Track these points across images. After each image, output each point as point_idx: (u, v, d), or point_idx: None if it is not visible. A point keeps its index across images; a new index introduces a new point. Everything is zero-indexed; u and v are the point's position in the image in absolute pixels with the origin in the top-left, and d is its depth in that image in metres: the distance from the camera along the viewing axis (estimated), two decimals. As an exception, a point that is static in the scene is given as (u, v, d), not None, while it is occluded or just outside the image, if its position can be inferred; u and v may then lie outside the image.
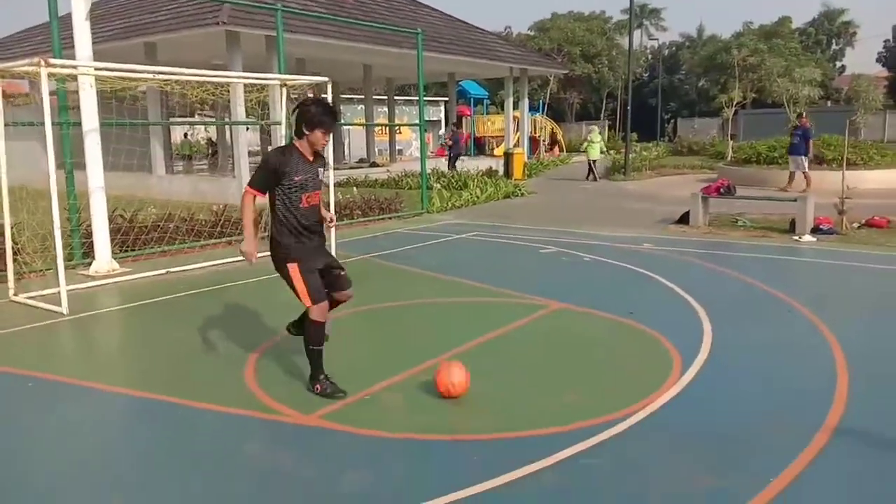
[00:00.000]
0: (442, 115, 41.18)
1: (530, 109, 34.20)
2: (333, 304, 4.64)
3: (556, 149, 33.05)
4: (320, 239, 4.59)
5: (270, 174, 4.32)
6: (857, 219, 11.03)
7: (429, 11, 25.21)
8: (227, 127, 23.48)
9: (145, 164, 17.23)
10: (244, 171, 16.11)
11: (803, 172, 16.54)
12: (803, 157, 16.56)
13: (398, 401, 4.41)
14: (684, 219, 11.60)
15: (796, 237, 10.10)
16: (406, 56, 19.11)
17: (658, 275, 7.76)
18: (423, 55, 14.45)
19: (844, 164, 11.90)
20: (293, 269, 4.37)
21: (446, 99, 32.16)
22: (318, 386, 4.46)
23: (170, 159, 21.00)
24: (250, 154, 18.30)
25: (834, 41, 58.49)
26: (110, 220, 8.76)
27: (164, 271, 8.35)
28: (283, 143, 10.41)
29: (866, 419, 3.95)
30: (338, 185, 16.83)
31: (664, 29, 63.54)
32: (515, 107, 29.15)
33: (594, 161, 22.18)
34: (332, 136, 4.55)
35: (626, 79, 25.44)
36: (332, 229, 4.62)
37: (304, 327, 4.56)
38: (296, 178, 4.32)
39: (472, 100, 37.20)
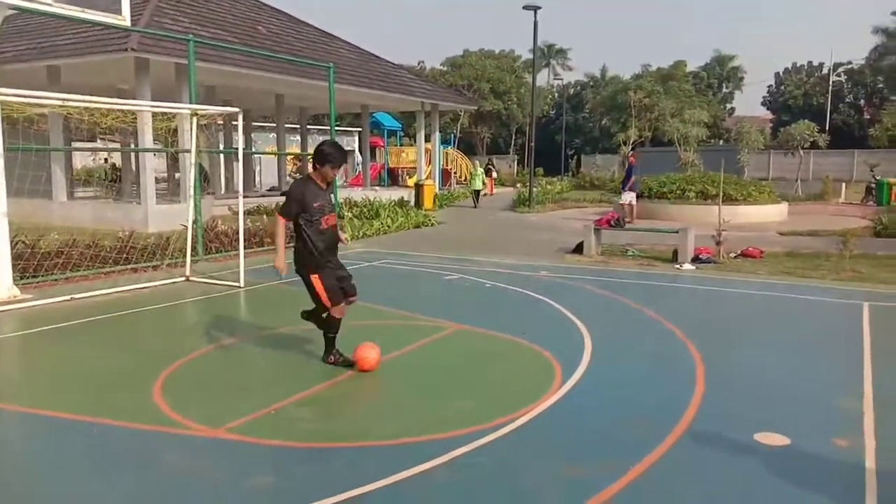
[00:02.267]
0: (356, 146, 41.57)
1: (442, 142, 35.13)
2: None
3: (492, 184, 33.77)
4: (336, 258, 5.59)
5: (297, 203, 5.29)
6: (734, 249, 12.11)
7: (342, 44, 25.71)
8: (133, 154, 23.02)
9: (46, 190, 16.74)
10: (150, 197, 15.95)
11: (629, 204, 18.22)
12: (627, 191, 18.44)
13: (303, 413, 4.73)
14: (579, 248, 12.41)
15: (678, 266, 11.03)
16: (318, 87, 19.46)
17: (551, 299, 8.37)
18: (334, 87, 14.85)
19: (720, 199, 13.05)
20: (315, 279, 5.37)
21: (360, 129, 32.59)
22: (331, 358, 5.57)
23: (71, 185, 20.41)
24: (156, 181, 18.09)
25: (724, 85, 62.81)
26: (11, 247, 8.64)
27: (67, 297, 8.30)
28: (191, 171, 10.56)
29: (714, 421, 4.56)
30: (248, 212, 16.90)
31: (570, 69, 66.63)
32: (428, 139, 29.92)
33: (477, 191, 26.22)
34: (339, 169, 5.57)
35: (534, 115, 26.63)
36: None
37: (324, 321, 5.61)
38: (315, 205, 5.30)
39: (385, 131, 37.79)
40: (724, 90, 62.65)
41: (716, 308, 8.60)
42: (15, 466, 4.00)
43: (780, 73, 62.14)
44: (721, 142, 50.92)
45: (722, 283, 9.80)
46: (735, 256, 11.84)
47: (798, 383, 5.44)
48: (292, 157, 32.43)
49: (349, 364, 5.52)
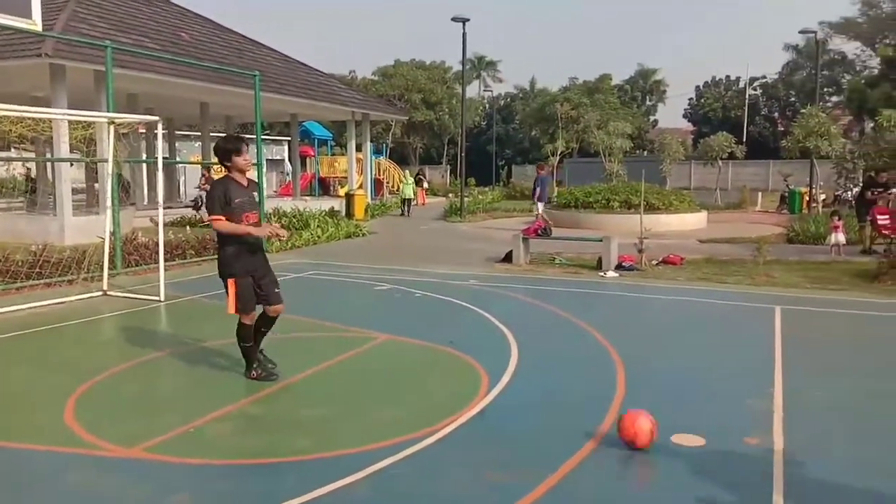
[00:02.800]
0: (285, 154, 41.02)
1: (375, 152, 35.04)
2: (267, 318, 5.48)
3: (423, 194, 33.74)
4: (262, 260, 5.46)
5: (219, 200, 5.17)
6: (656, 256, 12.50)
7: (269, 52, 25.39)
8: (47, 163, 22.05)
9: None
10: (67, 208, 15.32)
11: (542, 215, 18.42)
12: (540, 202, 18.95)
13: (224, 430, 4.61)
14: (508, 257, 12.57)
15: (602, 273, 11.30)
16: (244, 95, 19.12)
17: (479, 308, 8.44)
18: (261, 96, 14.62)
19: (642, 208, 13.46)
20: (231, 283, 5.26)
21: (290, 138, 32.17)
22: (253, 373, 5.45)
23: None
24: (74, 192, 17.38)
25: (648, 97, 64.94)
26: (-90, 261, 8.14)
27: (-27, 314, 7.87)
28: (109, 181, 10.19)
29: (634, 423, 4.68)
30: (171, 224, 16.43)
31: (500, 80, 67.60)
32: (359, 149, 29.79)
33: (407, 199, 26.54)
34: (249, 153, 5.45)
35: (464, 126, 26.89)
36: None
37: (236, 331, 5.44)
38: (236, 201, 5.19)
39: (316, 140, 37.44)
40: (648, 103, 64.80)
41: (637, 314, 8.85)
42: None
43: (700, 87, 64.65)
44: (645, 153, 52.60)
45: (643, 289, 10.09)
46: (657, 263, 12.21)
47: (713, 385, 5.65)
48: (205, 171, 31.73)
49: (272, 377, 5.43)
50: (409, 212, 26.07)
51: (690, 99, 65.34)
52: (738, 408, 5.06)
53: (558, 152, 32.48)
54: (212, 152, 5.57)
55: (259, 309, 5.50)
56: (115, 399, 5.22)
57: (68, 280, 9.86)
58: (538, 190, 19.11)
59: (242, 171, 5.37)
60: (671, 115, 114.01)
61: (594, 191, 21.41)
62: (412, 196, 27.15)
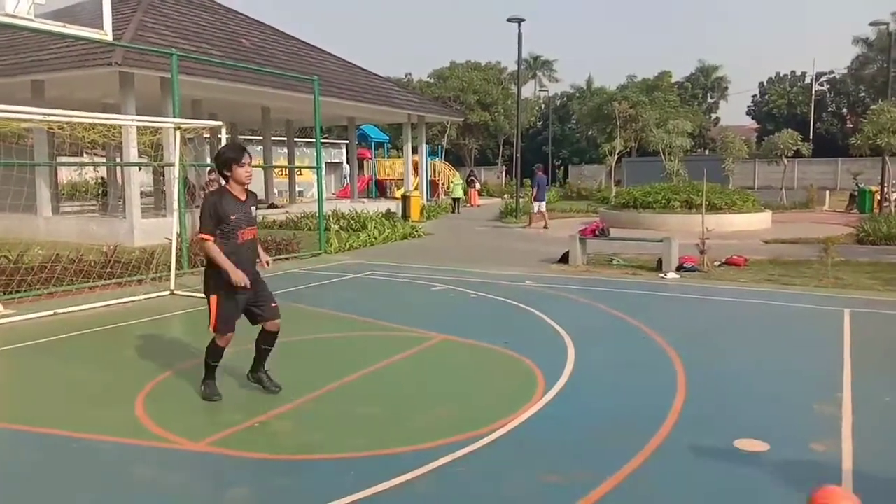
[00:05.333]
0: (343, 157, 41.63)
1: (430, 154, 35.23)
2: (267, 334, 5.22)
3: (476, 195, 33.80)
4: (254, 273, 5.04)
5: (212, 216, 4.83)
6: (718, 258, 12.21)
7: (328, 57, 25.80)
8: (118, 168, 22.96)
9: (31, 205, 16.67)
10: (136, 211, 15.92)
11: (539, 212, 20.60)
12: (537, 202, 20.59)
13: (286, 427, 4.73)
14: (565, 258, 12.47)
15: (662, 274, 11.10)
16: (304, 100, 19.50)
17: (535, 309, 8.41)
18: (319, 100, 14.89)
19: (704, 207, 13.16)
20: (213, 300, 4.94)
21: (347, 142, 32.66)
22: (203, 387, 5.18)
23: (56, 200, 20.31)
24: (142, 195, 18.04)
25: (709, 94, 63.38)
26: (-7, 261, 8.60)
27: (50, 313, 8.25)
28: (176, 185, 10.55)
29: (695, 428, 4.60)
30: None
31: (556, 80, 66.96)
32: (415, 151, 30.02)
33: (457, 199, 28.52)
34: (251, 167, 5.04)
35: (519, 127, 26.82)
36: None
37: (207, 346, 5.16)
38: (232, 217, 4.86)
39: (373, 143, 37.88)
40: (709, 100, 63.24)
41: (699, 316, 8.66)
42: (-6, 483, 3.97)
43: (764, 83, 62.82)
44: (706, 151, 51.40)
45: (705, 291, 9.87)
46: (719, 265, 11.93)
47: (778, 389, 5.49)
48: (280, 169, 32.39)
49: (213, 399, 5.07)
50: (458, 209, 27.96)
51: (754, 96, 63.59)
52: (805, 413, 4.92)
53: (616, 151, 32.00)
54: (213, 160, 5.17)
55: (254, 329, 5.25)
56: (182, 394, 5.40)
57: (137, 280, 10.25)
58: (535, 190, 20.81)
59: (242, 184, 4.95)
60: (734, 113, 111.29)
61: (654, 190, 21.04)
62: (461, 195, 29.09)
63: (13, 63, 17.39)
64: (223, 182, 5.02)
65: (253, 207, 5.07)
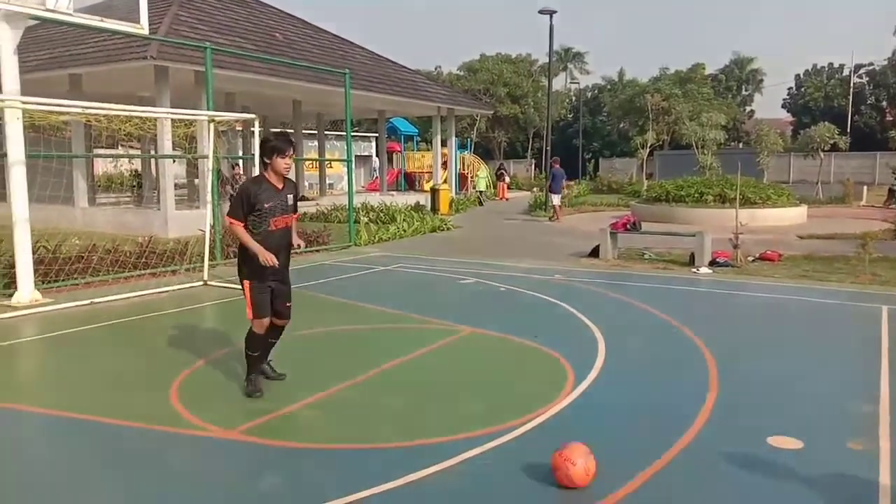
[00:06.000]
0: (373, 150, 41.79)
1: (459, 147, 35.18)
2: (274, 327, 5.25)
3: (505, 189, 33.70)
4: (283, 268, 5.13)
5: (246, 202, 4.92)
6: (752, 253, 12.02)
7: (358, 50, 25.86)
8: (152, 160, 23.32)
9: (68, 196, 17.01)
10: (170, 203, 16.16)
11: (556, 206, 21.21)
12: (553, 195, 21.34)
13: (315, 416, 4.78)
14: (595, 252, 12.38)
15: (695, 269, 10.96)
16: (335, 93, 19.59)
17: (565, 303, 8.36)
18: (350, 93, 14.95)
19: (738, 201, 12.96)
20: (246, 285, 5.04)
21: (377, 134, 32.76)
22: (247, 383, 5.16)
23: (93, 191, 20.71)
24: (176, 187, 18.30)
25: (743, 87, 62.26)
26: (33, 252, 8.79)
27: (87, 302, 8.43)
28: (209, 177, 10.68)
29: (727, 425, 4.55)
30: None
31: (587, 72, 66.39)
32: (444, 144, 30.00)
33: (482, 191, 29.71)
34: (291, 158, 5.07)
35: (549, 119, 26.66)
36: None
37: (245, 338, 5.19)
38: (266, 205, 4.93)
39: (402, 136, 37.94)
40: (744, 92, 62.13)
41: (731, 311, 8.55)
42: (33, 465, 4.07)
43: (801, 75, 61.50)
44: (740, 145, 50.54)
45: (738, 286, 9.73)
46: (753, 260, 11.75)
47: (813, 387, 5.40)
48: (311, 162, 32.64)
49: (256, 395, 5.06)
50: (482, 202, 28.96)
51: (790, 88, 62.25)
52: (841, 411, 4.83)
53: (648, 144, 31.62)
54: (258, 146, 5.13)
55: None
56: (215, 383, 5.48)
57: (172, 270, 10.42)
58: (549, 182, 21.61)
59: (279, 174, 5.02)
60: (769, 106, 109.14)
61: (686, 184, 20.76)
62: (485, 188, 30.67)
63: (52, 57, 17.75)
64: (240, 171, 5.08)
65: (290, 196, 5.11)
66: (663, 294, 9.31)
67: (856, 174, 36.47)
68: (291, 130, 28.07)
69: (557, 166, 21.67)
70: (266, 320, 5.10)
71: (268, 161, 5.00)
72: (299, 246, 5.41)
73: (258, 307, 5.05)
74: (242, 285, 5.10)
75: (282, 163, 4.97)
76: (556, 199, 21.18)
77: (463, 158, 36.08)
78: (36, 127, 9.39)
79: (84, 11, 8.67)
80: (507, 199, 31.82)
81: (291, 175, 5.32)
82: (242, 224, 4.95)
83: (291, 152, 5.05)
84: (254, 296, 5.04)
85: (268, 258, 4.86)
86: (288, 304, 5.25)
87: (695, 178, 22.14)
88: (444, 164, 30.47)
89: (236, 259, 5.22)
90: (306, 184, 28.99)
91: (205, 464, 4.01)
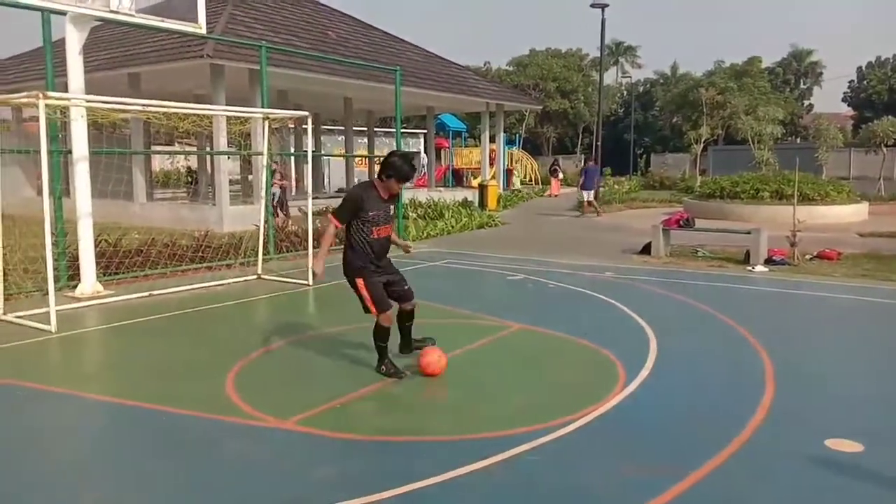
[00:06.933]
0: (421, 147, 41.97)
1: (508, 143, 35.06)
2: (404, 313, 5.59)
3: (558, 184, 33.42)
4: (387, 262, 5.46)
5: (353, 207, 5.19)
6: (809, 251, 11.69)
7: (408, 47, 26.00)
8: (208, 156, 23.89)
9: (127, 192, 17.56)
10: (225, 199, 16.53)
11: (588, 202, 21.40)
12: (584, 191, 21.51)
13: (368, 408, 4.85)
14: (647, 249, 12.21)
15: (750, 267, 10.72)
16: (385, 90, 19.73)
17: (615, 300, 8.28)
18: (401, 90, 15.04)
19: (796, 199, 12.60)
20: (361, 283, 5.26)
21: (426, 131, 32.88)
22: (382, 368, 5.40)
23: (150, 187, 21.33)
24: (231, 182, 18.71)
25: (802, 80, 60.50)
26: (95, 245, 9.12)
27: (146, 294, 8.70)
28: (263, 172, 10.89)
29: (783, 426, 4.45)
30: (317, 213, 17.30)
31: (639, 66, 65.36)
32: (492, 140, 29.93)
33: (515, 189, 29.95)
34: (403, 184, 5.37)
35: (600, 114, 26.34)
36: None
37: (373, 330, 5.42)
38: (370, 214, 5.17)
39: (450, 132, 37.99)
40: (802, 86, 60.36)
41: (788, 311, 8.34)
42: (93, 451, 4.25)
43: (863, 68, 59.39)
44: (798, 140, 49.10)
45: (795, 285, 9.48)
46: (810, 258, 11.42)
47: (873, 389, 5.24)
48: (278, 167, 32.97)
49: (399, 377, 5.33)
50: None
51: (851, 81, 60.27)
52: (904, 415, 4.67)
53: (702, 139, 30.96)
54: (383, 163, 5.27)
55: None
56: (269, 374, 5.61)
57: (227, 264, 10.68)
58: (582, 179, 21.81)
59: (389, 191, 5.27)
60: (828, 99, 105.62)
61: (742, 180, 20.28)
62: (519, 187, 31.41)
63: (113, 57, 18.34)
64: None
65: (392, 206, 5.38)
66: (717, 292, 9.13)
67: (921, 170, 34.97)
68: (342, 128, 28.38)
69: (592, 163, 22.71)
70: (390, 313, 5.33)
71: (385, 178, 5.19)
72: (407, 249, 5.83)
73: (379, 302, 5.25)
74: (355, 284, 5.27)
75: (396, 186, 5.23)
76: (586, 195, 21.68)
77: (511, 154, 35.95)
78: (98, 125, 9.72)
79: (144, 12, 8.94)
80: (557, 195, 31.58)
81: (342, 170, 5.51)
82: (340, 226, 5.23)
83: (410, 180, 5.38)
84: (371, 292, 5.23)
85: (318, 268, 5.26)
86: (407, 287, 5.53)
87: (750, 174, 21.61)
88: (492, 161, 30.40)
89: (342, 259, 5.39)
90: (356, 179, 29.27)
91: (259, 453, 4.11)
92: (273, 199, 15.99)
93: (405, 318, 5.66)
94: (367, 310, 5.34)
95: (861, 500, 3.49)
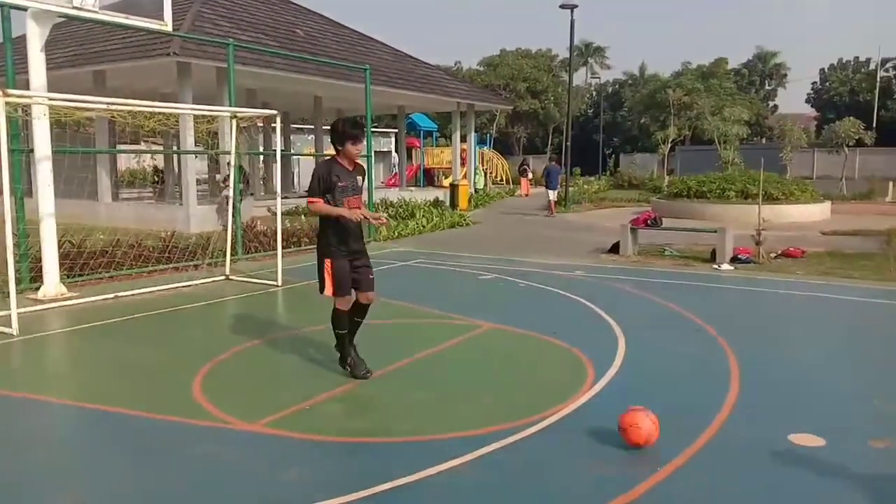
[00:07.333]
0: (392, 146, 41.87)
1: (479, 143, 35.13)
2: (359, 306, 5.43)
3: (528, 185, 33.48)
4: (360, 247, 5.37)
5: (322, 181, 5.14)
6: (774, 249, 11.90)
7: (379, 46, 25.91)
8: (175, 155, 23.55)
9: (92, 192, 17.25)
10: (192, 198, 16.31)
11: (551, 201, 21.87)
12: (548, 190, 22.00)
13: (338, 409, 4.83)
14: (615, 248, 12.33)
15: (716, 266, 10.89)
16: (355, 89, 19.64)
17: (585, 299, 8.35)
18: (371, 89, 14.99)
19: (761, 198, 12.83)
20: (327, 263, 5.22)
21: (397, 130, 32.82)
22: (347, 365, 5.40)
23: (116, 187, 20.97)
24: (198, 182, 18.47)
25: (767, 82, 61.55)
26: (59, 246, 8.93)
27: (111, 296, 8.55)
28: (232, 173, 10.77)
29: (748, 422, 4.52)
30: (286, 213, 17.17)
31: (608, 67, 65.95)
32: (464, 140, 29.97)
33: (478, 189, 29.36)
34: (362, 144, 5.32)
35: (569, 115, 26.54)
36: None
37: (331, 317, 5.39)
38: (340, 184, 5.14)
39: (421, 132, 37.96)
40: (767, 87, 61.42)
41: (753, 308, 8.49)
42: (58, 456, 4.16)
43: (826, 70, 60.64)
44: (763, 140, 49.97)
45: (760, 283, 9.65)
46: (775, 256, 11.64)
47: (835, 384, 5.36)
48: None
49: (365, 376, 5.31)
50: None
51: (814, 83, 61.47)
52: (863, 409, 4.79)
53: (669, 140, 31.37)
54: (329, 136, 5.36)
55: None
56: (237, 376, 5.56)
57: (194, 265, 10.54)
58: (547, 179, 22.31)
59: (351, 158, 5.24)
60: (793, 101, 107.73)
61: (708, 180, 20.60)
62: (482, 186, 30.75)
63: (77, 54, 17.99)
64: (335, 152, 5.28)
65: (359, 178, 5.33)
66: (684, 290, 9.26)
67: (882, 170, 35.86)
68: (312, 126, 28.20)
69: (554, 164, 23.42)
70: (349, 297, 5.30)
71: (340, 148, 5.19)
72: (385, 221, 5.59)
73: (339, 285, 5.22)
74: (322, 264, 5.25)
75: (353, 149, 5.17)
76: (551, 195, 22.01)
77: (482, 154, 36.04)
78: (61, 123, 9.52)
79: (109, 8, 8.79)
80: (528, 195, 31.71)
81: (312, 169, 5.43)
82: (321, 200, 5.16)
83: (363, 138, 5.28)
84: (335, 273, 5.20)
85: (355, 213, 5.11)
86: (371, 277, 5.42)
87: (717, 174, 21.96)
88: (464, 160, 30.45)
89: (317, 239, 5.40)
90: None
91: (227, 456, 4.06)
92: (226, 202, 15.60)
93: (358, 312, 5.46)
94: (322, 289, 5.28)
95: (823, 493, 3.57)
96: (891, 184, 29.47)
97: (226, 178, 15.53)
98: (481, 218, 20.26)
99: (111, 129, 18.24)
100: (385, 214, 5.74)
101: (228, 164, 16.27)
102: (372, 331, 7.15)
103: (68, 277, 9.03)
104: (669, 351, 6.27)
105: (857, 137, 29.46)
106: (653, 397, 5.03)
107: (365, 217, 5.22)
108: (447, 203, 22.77)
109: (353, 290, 5.35)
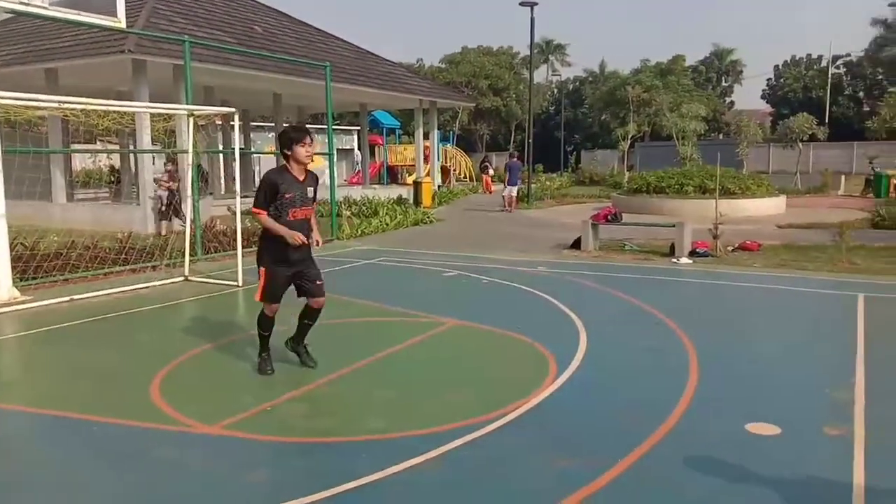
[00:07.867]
0: (355, 144, 41.64)
1: (442, 140, 35.14)
2: (310, 310, 5.43)
3: (489, 182, 33.51)
4: (304, 254, 5.27)
5: (269, 191, 5.05)
6: (731, 242, 12.14)
7: (339, 43, 25.73)
8: (131, 155, 23.06)
9: (45, 192, 16.80)
10: (149, 198, 16.00)
11: (511, 196, 22.01)
12: (508, 186, 22.16)
13: (299, 410, 4.79)
14: (577, 244, 12.45)
15: (675, 259, 11.06)
16: (316, 86, 19.48)
17: (547, 294, 8.42)
18: (331, 86, 14.88)
19: (718, 193, 13.08)
20: (262, 272, 5.23)
21: (359, 128, 32.65)
22: (259, 360, 5.48)
23: (71, 187, 20.46)
24: (155, 181, 18.11)
25: (723, 78, 62.74)
26: (11, 249, 8.68)
27: (67, 299, 8.34)
28: (190, 172, 10.61)
29: (706, 412, 4.61)
30: (246, 213, 16.95)
31: (569, 64, 66.53)
32: (427, 137, 29.95)
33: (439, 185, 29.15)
34: (311, 146, 5.18)
35: (531, 112, 26.68)
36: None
37: (257, 318, 5.46)
38: (286, 196, 5.04)
39: (384, 129, 37.83)
40: (724, 84, 62.61)
41: (711, 301, 8.65)
42: (15, 463, 4.04)
43: (780, 66, 62.06)
44: (720, 136, 50.93)
45: (718, 276, 9.84)
46: (732, 250, 11.87)
47: (791, 374, 5.49)
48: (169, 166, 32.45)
49: (266, 373, 5.39)
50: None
51: (769, 79, 62.85)
52: (817, 398, 4.92)
53: (629, 136, 31.81)
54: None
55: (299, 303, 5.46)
56: (197, 379, 5.47)
57: (152, 266, 10.34)
58: (507, 175, 22.44)
59: (302, 164, 5.11)
60: (748, 97, 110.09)
61: (667, 175, 20.91)
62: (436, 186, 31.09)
63: (27, 51, 17.49)
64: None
65: (311, 188, 5.22)
66: (644, 284, 9.39)
67: (834, 164, 36.87)
68: (272, 124, 27.87)
69: (515, 160, 23.27)
70: (275, 306, 5.32)
71: (288, 153, 5.09)
72: (317, 243, 5.45)
73: (269, 295, 5.25)
74: (259, 273, 5.25)
75: (302, 151, 5.07)
76: (512, 191, 22.15)
77: (445, 151, 36.07)
78: (11, 122, 9.26)
79: (60, 5, 8.56)
80: (491, 192, 31.84)
81: (272, 165, 5.35)
82: (266, 212, 5.08)
83: (310, 140, 5.14)
84: (267, 283, 5.21)
85: (295, 237, 5.02)
86: (319, 283, 5.38)
87: (675, 170, 22.30)
88: (427, 158, 30.44)
89: (257, 245, 5.37)
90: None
91: (188, 460, 4.00)
92: (160, 203, 15.22)
93: (308, 315, 5.47)
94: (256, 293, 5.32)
95: (779, 480, 3.65)
96: (843, 178, 30.31)
97: (167, 176, 15.20)
98: (445, 215, 20.28)
99: (65, 129, 17.78)
100: (320, 237, 5.54)
101: (165, 163, 16.01)
102: (335, 329, 7.13)
103: (21, 281, 8.79)
104: (630, 345, 6.35)
105: (810, 133, 30.20)
106: (614, 391, 5.12)
107: (303, 242, 5.10)
108: (411, 200, 22.73)
109: (302, 298, 5.40)
